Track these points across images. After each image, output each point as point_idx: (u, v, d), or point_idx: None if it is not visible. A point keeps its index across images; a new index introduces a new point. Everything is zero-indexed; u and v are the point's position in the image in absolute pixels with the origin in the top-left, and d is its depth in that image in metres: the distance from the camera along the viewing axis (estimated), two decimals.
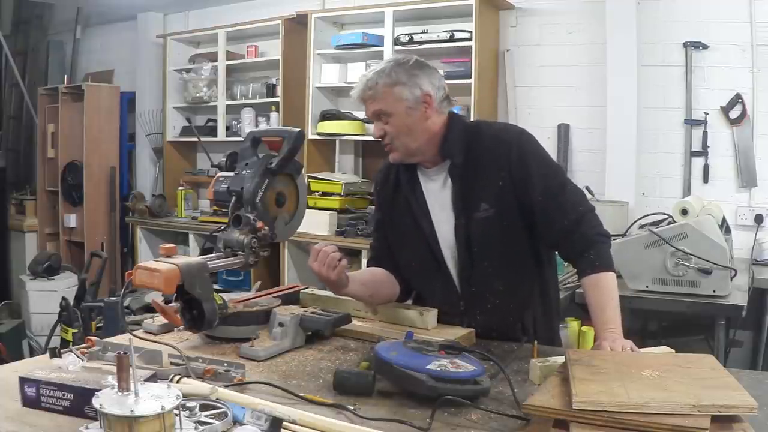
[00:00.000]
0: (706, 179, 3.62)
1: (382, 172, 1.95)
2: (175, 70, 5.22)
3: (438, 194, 1.80)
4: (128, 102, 5.53)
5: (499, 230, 1.73)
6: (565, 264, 2.15)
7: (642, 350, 1.51)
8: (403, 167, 1.84)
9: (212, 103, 4.97)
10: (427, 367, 1.29)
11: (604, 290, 1.65)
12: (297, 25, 4.50)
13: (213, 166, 4.50)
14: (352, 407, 1.24)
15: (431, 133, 1.75)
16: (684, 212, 2.92)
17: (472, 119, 3.56)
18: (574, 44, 3.91)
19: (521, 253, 1.78)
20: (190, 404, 1.11)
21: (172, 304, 1.60)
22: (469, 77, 3.80)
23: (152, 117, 5.41)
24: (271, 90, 4.74)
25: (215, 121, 5.00)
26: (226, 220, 1.74)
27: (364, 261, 3.86)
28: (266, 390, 1.32)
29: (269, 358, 1.54)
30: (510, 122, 3.91)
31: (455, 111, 1.88)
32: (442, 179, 1.79)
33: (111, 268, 5.10)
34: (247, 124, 4.73)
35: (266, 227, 1.69)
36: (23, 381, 1.22)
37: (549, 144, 3.90)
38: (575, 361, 1.25)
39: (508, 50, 4.08)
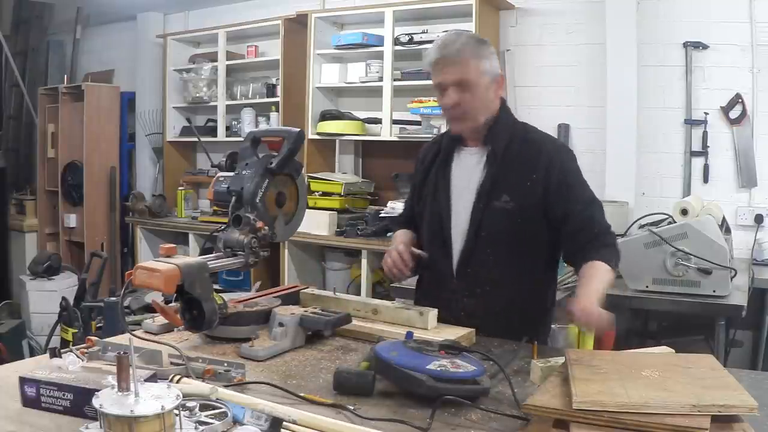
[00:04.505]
0: (706, 179, 3.62)
1: (430, 143, 2.03)
2: (175, 70, 5.22)
3: (469, 173, 1.85)
4: (128, 102, 5.53)
5: (512, 224, 1.78)
6: (565, 264, 2.16)
7: (642, 350, 1.51)
8: (448, 140, 1.90)
9: (212, 103, 4.98)
10: (427, 367, 1.29)
11: (599, 270, 1.68)
12: (297, 25, 4.50)
13: (213, 166, 4.45)
14: (352, 407, 1.24)
15: (492, 113, 1.82)
16: (684, 212, 2.92)
17: None
18: (574, 44, 3.91)
19: (525, 252, 1.81)
20: (190, 404, 1.11)
21: (172, 304, 1.60)
22: None
23: (152, 117, 5.41)
24: (271, 90, 4.74)
25: (215, 121, 5.00)
26: (226, 220, 1.74)
27: (364, 261, 3.89)
28: (266, 390, 1.32)
29: (269, 358, 1.54)
30: None
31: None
32: (477, 160, 1.85)
33: (111, 268, 5.10)
34: (247, 124, 4.73)
35: (266, 227, 1.70)
36: (23, 381, 1.22)
37: None
38: (575, 361, 1.25)
39: (508, 50, 4.08)
